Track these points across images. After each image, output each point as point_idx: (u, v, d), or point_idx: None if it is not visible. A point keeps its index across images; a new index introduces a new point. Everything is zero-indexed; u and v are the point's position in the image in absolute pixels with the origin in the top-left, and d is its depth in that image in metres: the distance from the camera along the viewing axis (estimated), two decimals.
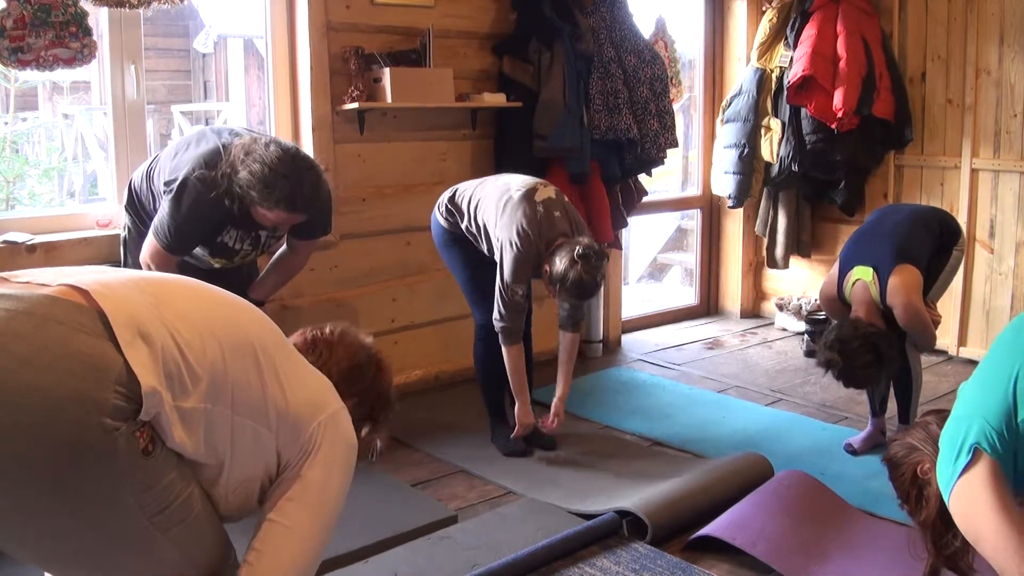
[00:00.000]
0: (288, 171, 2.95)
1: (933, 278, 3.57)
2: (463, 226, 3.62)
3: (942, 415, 1.96)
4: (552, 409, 3.71)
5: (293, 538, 1.59)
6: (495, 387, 3.82)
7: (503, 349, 3.54)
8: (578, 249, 3.30)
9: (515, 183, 3.54)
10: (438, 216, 3.75)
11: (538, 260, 3.42)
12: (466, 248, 3.66)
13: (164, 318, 1.45)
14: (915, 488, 2.03)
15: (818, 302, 5.59)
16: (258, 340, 1.60)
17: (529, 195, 3.46)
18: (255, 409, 1.55)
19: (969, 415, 1.77)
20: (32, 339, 1.30)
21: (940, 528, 1.92)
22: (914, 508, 2.05)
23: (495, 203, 3.49)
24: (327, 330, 1.93)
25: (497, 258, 3.47)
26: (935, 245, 3.58)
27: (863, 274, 3.52)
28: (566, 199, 3.62)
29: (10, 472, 1.28)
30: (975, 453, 1.71)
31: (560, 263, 3.32)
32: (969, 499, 1.72)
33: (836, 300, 3.72)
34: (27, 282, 1.42)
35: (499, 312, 3.48)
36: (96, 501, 1.34)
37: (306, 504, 1.61)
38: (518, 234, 3.37)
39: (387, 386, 1.96)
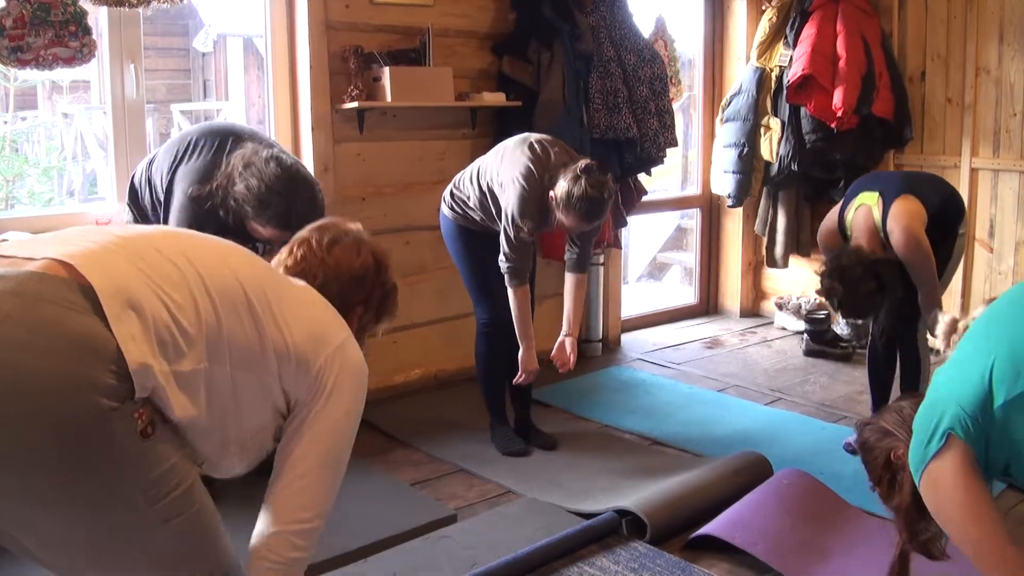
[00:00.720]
0: (284, 189, 2.95)
1: (942, 264, 3.53)
2: (471, 205, 3.58)
3: (916, 399, 1.96)
4: (565, 347, 3.60)
5: (309, 476, 1.61)
6: (496, 385, 3.82)
7: (509, 291, 3.48)
8: (580, 165, 3.32)
9: (509, 141, 3.58)
10: (444, 209, 3.75)
11: (543, 194, 3.38)
12: (472, 241, 3.63)
13: (153, 282, 1.43)
14: (888, 473, 2.03)
15: (818, 300, 5.61)
16: (250, 284, 1.58)
17: (525, 139, 3.51)
18: (254, 360, 1.55)
19: (944, 400, 1.77)
20: (23, 321, 1.29)
21: (914, 514, 1.92)
22: (886, 492, 2.05)
23: (494, 160, 3.52)
24: (314, 243, 1.86)
25: (503, 202, 3.44)
26: (941, 204, 3.51)
27: (867, 199, 3.49)
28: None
29: (12, 457, 1.27)
30: (948, 439, 1.71)
31: (564, 184, 3.30)
32: (940, 484, 1.73)
33: (835, 233, 3.67)
34: (12, 256, 1.40)
35: (505, 252, 3.43)
36: (97, 485, 1.34)
37: (320, 441, 1.63)
38: (522, 173, 3.37)
39: (389, 281, 1.94)
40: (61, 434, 1.28)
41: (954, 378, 1.79)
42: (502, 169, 3.46)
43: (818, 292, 3.49)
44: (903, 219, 3.37)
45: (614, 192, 3.47)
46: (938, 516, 1.77)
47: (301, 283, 1.78)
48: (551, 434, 3.85)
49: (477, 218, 3.61)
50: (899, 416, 2.03)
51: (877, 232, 3.44)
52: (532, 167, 3.38)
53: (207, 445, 1.53)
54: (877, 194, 3.46)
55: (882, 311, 3.47)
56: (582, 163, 3.32)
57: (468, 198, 3.61)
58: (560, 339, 3.61)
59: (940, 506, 1.76)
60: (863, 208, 3.50)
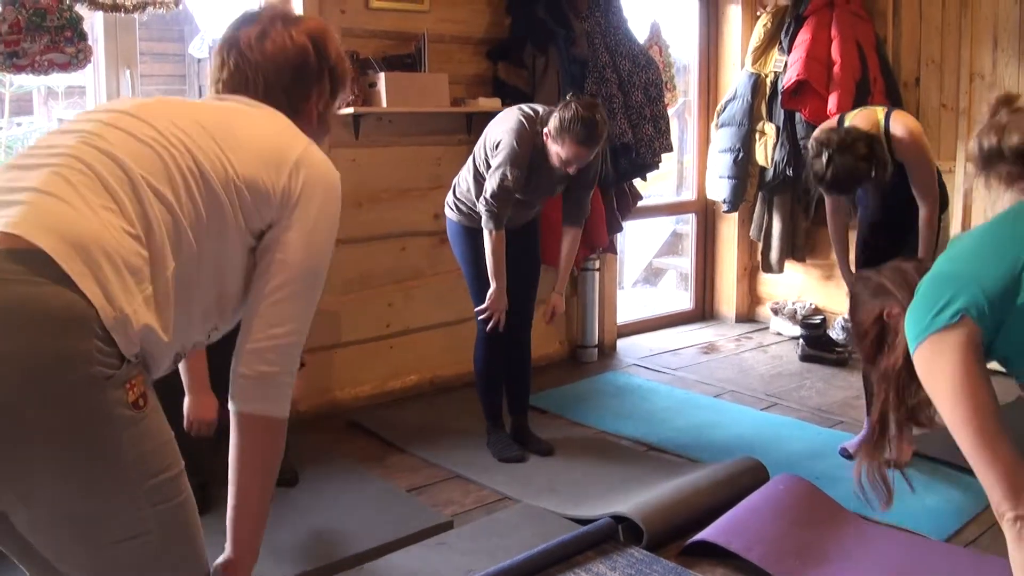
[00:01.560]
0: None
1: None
2: (470, 196, 3.58)
3: (921, 265, 1.87)
4: (550, 301, 3.75)
5: (280, 291, 1.52)
6: (494, 391, 3.81)
7: (486, 234, 3.49)
8: (567, 95, 3.41)
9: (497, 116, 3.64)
10: (447, 212, 3.74)
11: (534, 144, 3.42)
12: (477, 243, 3.59)
13: (104, 206, 1.35)
14: (876, 328, 1.94)
15: (814, 306, 5.62)
16: (192, 140, 1.48)
17: (514, 108, 3.57)
18: (218, 225, 1.46)
19: (964, 277, 1.69)
20: None
21: (905, 379, 1.85)
22: (870, 350, 1.96)
23: (484, 136, 3.57)
24: (242, 42, 1.68)
25: (494, 160, 3.46)
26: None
27: (871, 111, 3.54)
28: None
29: (8, 438, 1.23)
30: (961, 318, 1.65)
31: (556, 115, 3.34)
32: (939, 359, 1.67)
33: (840, 212, 3.74)
34: None
35: (487, 197, 3.43)
36: (91, 455, 1.28)
37: (290, 256, 1.52)
38: (512, 127, 3.42)
39: (332, 57, 1.74)
40: (55, 412, 1.24)
41: (976, 259, 1.72)
42: (493, 132, 3.51)
43: (810, 159, 3.41)
44: (908, 121, 3.42)
45: (607, 120, 3.47)
46: (929, 389, 1.71)
47: (241, 103, 1.64)
48: (547, 440, 3.85)
49: (477, 209, 3.59)
50: (901, 277, 1.93)
51: (878, 126, 3.43)
52: (524, 121, 3.43)
53: (182, 321, 1.46)
54: (882, 109, 3.53)
55: (868, 183, 3.39)
56: (568, 95, 3.42)
57: (466, 190, 3.61)
58: (552, 296, 3.76)
59: (934, 379, 1.69)
60: (866, 110, 3.54)
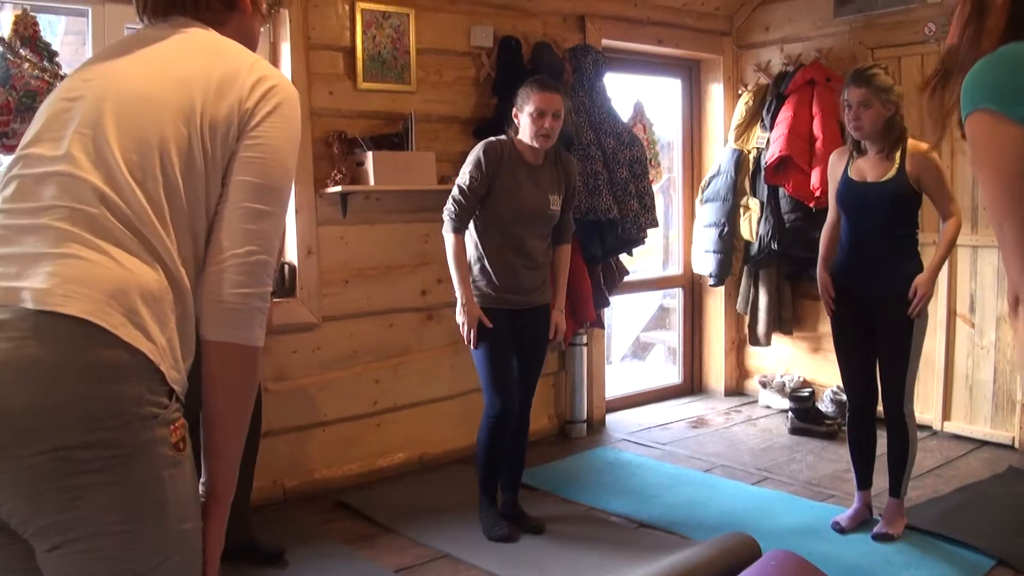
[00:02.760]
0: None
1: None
2: (478, 258, 3.62)
3: None
4: (552, 319, 3.79)
5: (240, 208, 1.43)
6: (493, 471, 3.75)
7: (445, 239, 3.59)
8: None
9: None
10: None
11: (502, 152, 3.56)
12: (490, 331, 3.59)
13: (111, 243, 1.36)
14: None
15: (802, 378, 5.62)
16: (154, 115, 1.44)
17: None
18: (196, 194, 1.44)
19: None
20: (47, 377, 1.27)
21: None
22: None
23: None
24: None
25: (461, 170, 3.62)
26: None
27: None
28: None
29: (62, 470, 1.26)
30: None
31: (517, 95, 3.59)
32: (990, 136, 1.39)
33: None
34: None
35: (450, 197, 3.58)
36: (135, 489, 1.31)
37: (248, 171, 1.45)
38: (482, 143, 3.60)
39: None
40: (108, 449, 1.28)
41: None
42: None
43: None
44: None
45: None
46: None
47: (174, 34, 1.55)
48: (538, 518, 3.80)
49: (489, 272, 3.60)
50: None
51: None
52: (492, 139, 3.61)
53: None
54: None
55: (888, 115, 3.46)
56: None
57: (472, 257, 3.64)
58: (552, 313, 3.80)
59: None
60: None
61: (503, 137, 3.63)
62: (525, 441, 3.86)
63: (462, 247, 3.59)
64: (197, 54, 1.51)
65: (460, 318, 3.59)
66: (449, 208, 3.58)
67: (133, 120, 1.42)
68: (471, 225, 3.62)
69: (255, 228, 1.44)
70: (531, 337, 3.72)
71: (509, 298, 3.61)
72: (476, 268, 3.63)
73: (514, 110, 3.61)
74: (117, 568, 1.32)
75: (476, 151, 3.57)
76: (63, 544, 1.30)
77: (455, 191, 3.57)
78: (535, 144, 3.55)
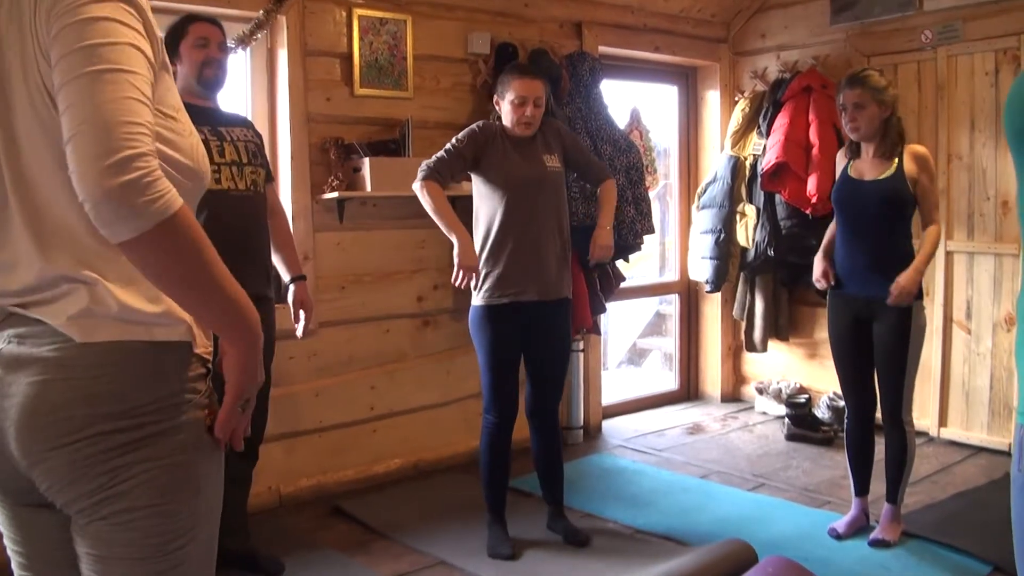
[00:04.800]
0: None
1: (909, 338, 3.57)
2: (488, 249, 3.55)
3: None
4: (592, 238, 3.72)
5: (69, 98, 1.20)
6: (498, 484, 3.70)
7: (422, 184, 3.52)
8: None
9: None
10: (473, 298, 3.65)
11: (492, 134, 3.56)
12: (498, 334, 3.54)
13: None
14: None
15: (798, 385, 5.62)
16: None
17: None
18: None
19: None
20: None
21: None
22: None
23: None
24: None
25: None
26: None
27: None
28: None
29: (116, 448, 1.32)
30: None
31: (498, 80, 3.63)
32: None
33: None
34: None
35: (432, 158, 3.55)
36: (176, 463, 1.37)
37: (69, 57, 1.22)
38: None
39: None
40: (158, 432, 1.35)
41: None
42: None
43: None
44: None
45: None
46: None
47: None
48: (584, 530, 3.74)
49: (494, 260, 3.52)
50: None
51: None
52: (487, 120, 3.65)
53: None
54: None
55: (885, 116, 3.49)
56: None
57: (476, 248, 3.56)
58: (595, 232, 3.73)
59: None
60: None
61: (495, 122, 3.64)
62: (557, 445, 3.77)
63: (439, 191, 3.52)
64: None
65: (456, 260, 3.46)
66: (427, 162, 3.54)
67: None
68: (475, 215, 3.57)
69: (84, 96, 1.21)
70: (547, 334, 3.61)
71: (518, 290, 3.49)
72: (480, 260, 3.53)
73: (495, 97, 3.62)
74: (145, 540, 1.36)
75: (471, 126, 3.60)
76: (98, 519, 1.35)
77: (440, 153, 3.56)
78: (516, 132, 3.54)
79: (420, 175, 3.52)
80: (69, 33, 1.22)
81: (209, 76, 3.20)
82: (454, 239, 3.45)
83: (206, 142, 3.12)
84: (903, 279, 3.43)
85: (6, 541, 1.50)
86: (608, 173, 3.84)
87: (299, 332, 3.60)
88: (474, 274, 3.46)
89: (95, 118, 1.17)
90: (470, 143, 3.53)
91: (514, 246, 3.49)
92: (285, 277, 3.60)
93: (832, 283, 3.67)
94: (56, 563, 1.47)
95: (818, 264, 3.74)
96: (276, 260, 3.56)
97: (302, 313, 3.57)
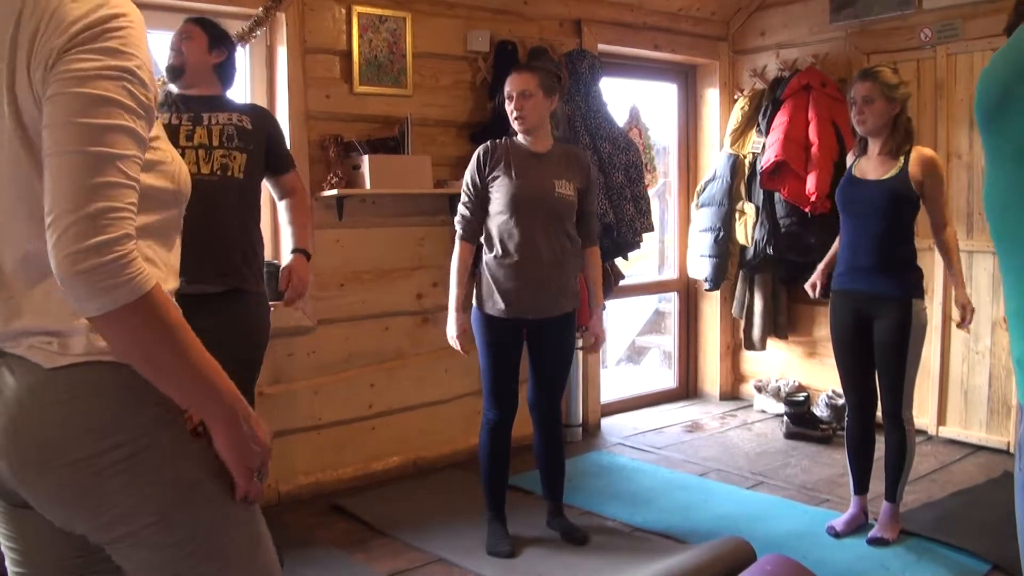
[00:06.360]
0: None
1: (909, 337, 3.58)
2: (491, 249, 3.55)
3: None
4: (591, 329, 3.76)
5: (49, 170, 1.22)
6: (498, 483, 3.70)
7: (460, 243, 3.58)
8: None
9: None
10: (474, 300, 3.66)
11: (496, 150, 3.55)
12: (499, 335, 3.55)
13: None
14: None
15: (797, 383, 5.62)
16: None
17: None
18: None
19: None
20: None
21: None
22: None
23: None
24: None
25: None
26: None
27: None
28: None
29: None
30: None
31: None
32: None
33: None
34: None
35: (460, 208, 3.59)
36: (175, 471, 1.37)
37: (54, 124, 1.23)
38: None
39: None
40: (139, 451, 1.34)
41: None
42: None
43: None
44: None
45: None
46: None
47: None
48: (583, 528, 3.76)
49: (498, 279, 3.50)
50: None
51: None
52: (488, 142, 3.62)
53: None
54: None
55: (892, 113, 3.50)
56: None
57: (481, 265, 3.57)
58: (591, 321, 3.76)
59: None
60: None
61: (502, 139, 3.61)
62: (558, 439, 3.77)
63: (465, 256, 3.57)
64: None
65: (450, 327, 3.58)
66: (458, 217, 3.59)
67: None
68: (488, 223, 3.56)
69: (56, 187, 1.23)
70: (548, 349, 3.61)
71: (520, 308, 3.49)
72: (485, 276, 3.54)
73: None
74: (160, 554, 1.36)
75: (475, 155, 3.58)
76: (105, 543, 1.36)
77: (461, 197, 3.59)
78: (514, 128, 3.53)
79: (459, 233, 3.60)
80: (69, 102, 1.23)
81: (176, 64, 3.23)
82: (451, 303, 3.59)
83: (177, 127, 3.13)
84: (966, 305, 3.56)
85: (0, 539, 1.50)
86: (597, 241, 3.78)
87: (285, 301, 3.51)
88: (463, 345, 3.60)
89: (78, 199, 1.19)
90: (477, 178, 3.54)
91: (514, 265, 3.48)
92: (287, 252, 3.59)
93: (817, 295, 3.76)
94: (51, 561, 1.47)
95: (816, 274, 3.84)
96: (285, 237, 3.63)
97: (289, 281, 3.47)
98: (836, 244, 3.79)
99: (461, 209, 3.57)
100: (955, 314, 3.59)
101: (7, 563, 1.50)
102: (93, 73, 1.24)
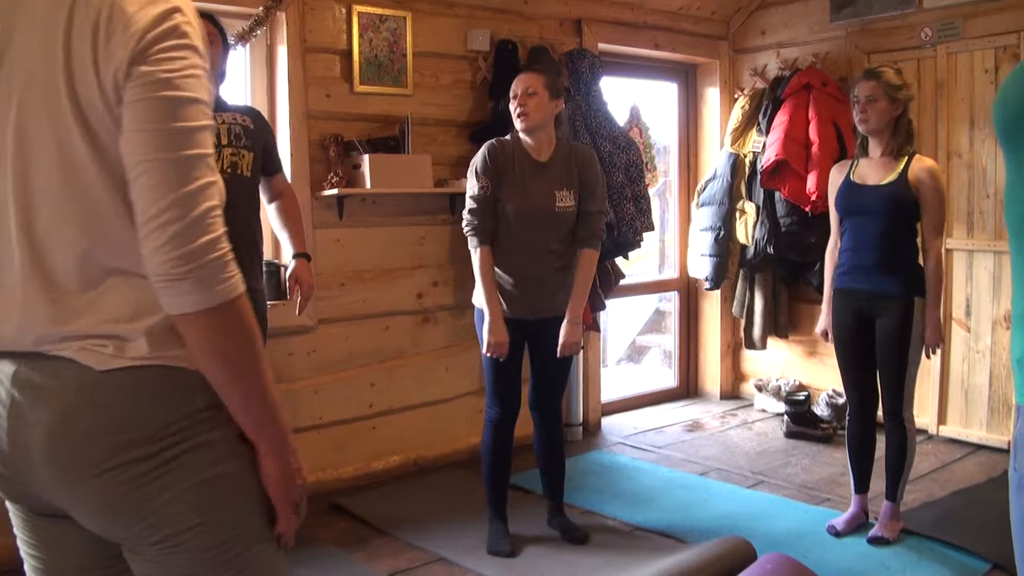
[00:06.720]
0: None
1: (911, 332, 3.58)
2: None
3: None
4: (563, 333, 3.53)
5: (142, 165, 1.24)
6: (499, 481, 3.70)
7: (473, 252, 3.49)
8: None
9: None
10: (475, 298, 3.66)
11: (502, 152, 3.49)
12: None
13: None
14: None
15: (798, 382, 5.62)
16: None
17: None
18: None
19: None
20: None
21: None
22: None
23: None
24: None
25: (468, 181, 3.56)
26: None
27: None
28: None
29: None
30: None
31: None
32: None
33: None
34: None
35: (465, 214, 3.51)
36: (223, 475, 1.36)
37: (144, 125, 1.24)
38: (483, 148, 3.53)
39: None
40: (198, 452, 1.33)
41: None
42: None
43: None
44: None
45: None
46: None
47: None
48: (584, 527, 3.76)
49: (498, 281, 3.51)
50: None
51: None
52: (493, 141, 3.53)
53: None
54: None
55: (895, 109, 3.50)
56: None
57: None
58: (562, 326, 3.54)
59: None
60: None
61: (506, 137, 3.58)
62: (559, 439, 3.77)
63: (488, 262, 3.48)
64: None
65: (484, 335, 3.48)
66: (466, 222, 3.50)
67: None
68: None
69: (159, 183, 1.27)
70: (548, 350, 3.59)
71: (520, 309, 3.52)
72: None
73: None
74: (200, 557, 1.34)
75: (478, 155, 3.51)
76: (145, 546, 1.33)
77: (467, 203, 3.50)
78: (516, 126, 3.52)
79: (471, 240, 3.49)
80: (158, 106, 1.25)
81: None
82: (487, 313, 3.46)
83: None
84: (931, 319, 3.52)
85: (20, 544, 1.48)
86: (595, 244, 3.62)
87: (297, 310, 3.52)
88: (503, 350, 3.46)
89: (181, 202, 1.23)
90: (489, 179, 3.46)
91: (513, 268, 3.50)
92: (288, 257, 3.58)
93: (829, 340, 3.78)
94: (72, 570, 1.45)
95: (824, 320, 3.80)
96: (282, 240, 3.59)
97: (298, 289, 3.48)
98: (829, 262, 3.79)
99: (471, 217, 3.49)
100: (928, 334, 3.54)
101: (27, 569, 1.49)
102: (177, 75, 1.26)
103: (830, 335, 3.76)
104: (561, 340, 3.53)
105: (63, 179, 1.29)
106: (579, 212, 3.57)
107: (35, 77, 1.28)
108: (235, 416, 1.36)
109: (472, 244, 3.49)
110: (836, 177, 3.72)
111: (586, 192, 3.58)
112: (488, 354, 3.49)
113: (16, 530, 1.48)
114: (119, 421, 1.28)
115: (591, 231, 3.60)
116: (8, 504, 1.46)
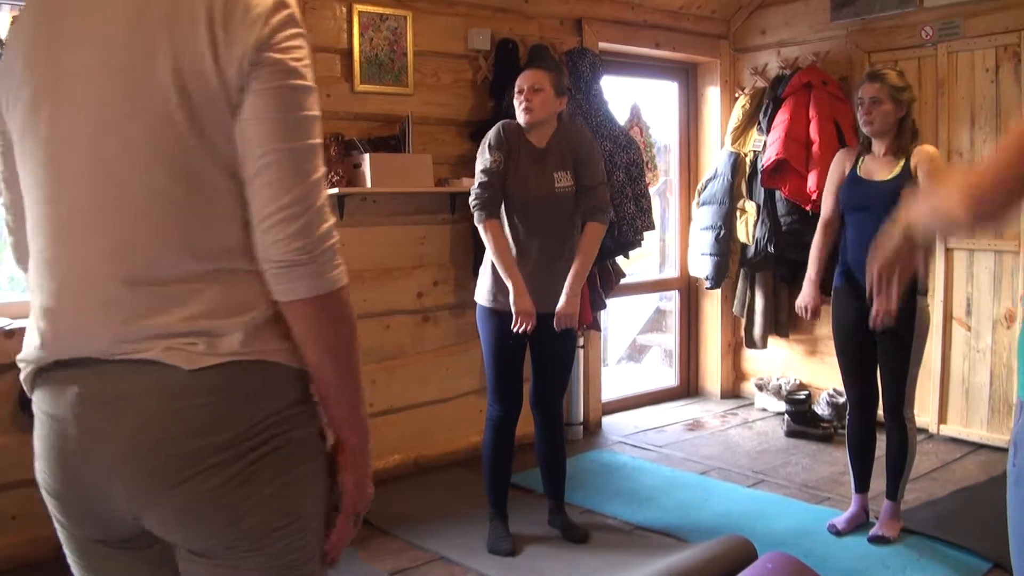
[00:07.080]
0: None
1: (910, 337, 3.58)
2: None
3: None
4: (562, 307, 3.49)
5: (266, 158, 1.25)
6: (500, 480, 3.71)
7: (480, 228, 3.48)
8: None
9: None
10: (476, 296, 3.66)
11: (511, 133, 3.52)
12: (502, 329, 3.52)
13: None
14: None
15: (798, 381, 5.62)
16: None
17: None
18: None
19: None
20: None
21: None
22: None
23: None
24: None
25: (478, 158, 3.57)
26: None
27: None
28: None
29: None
30: None
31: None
32: None
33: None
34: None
35: (475, 188, 3.50)
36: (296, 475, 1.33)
37: (266, 118, 1.26)
38: (495, 127, 3.57)
39: None
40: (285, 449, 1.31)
41: None
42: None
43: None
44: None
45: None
46: None
47: None
48: (583, 526, 3.77)
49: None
50: None
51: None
52: (504, 122, 3.58)
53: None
54: None
55: (898, 112, 3.50)
56: None
57: (485, 259, 3.57)
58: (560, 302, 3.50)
59: None
60: None
61: (511, 122, 3.59)
62: (560, 438, 3.76)
63: (501, 233, 3.47)
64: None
65: (512, 307, 3.43)
66: (474, 196, 3.48)
67: None
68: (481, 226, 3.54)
69: (285, 177, 1.29)
70: (549, 347, 3.60)
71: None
72: (488, 271, 3.56)
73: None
74: (276, 562, 1.32)
75: (491, 131, 3.54)
76: (226, 551, 1.29)
77: (477, 177, 3.50)
78: (520, 120, 3.53)
79: (478, 215, 3.47)
80: (287, 95, 1.28)
81: None
82: (510, 285, 3.43)
83: None
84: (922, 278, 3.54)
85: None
86: (600, 217, 3.59)
87: None
88: (531, 319, 3.42)
89: (307, 195, 1.26)
90: (500, 153, 3.47)
91: (516, 259, 3.49)
92: None
93: (811, 317, 3.79)
94: None
95: (808, 296, 3.83)
96: None
97: None
98: (816, 245, 3.79)
99: (480, 190, 3.46)
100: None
101: None
102: (302, 64, 1.31)
103: (809, 310, 3.79)
104: (557, 310, 3.49)
105: (148, 168, 1.24)
106: (578, 188, 3.56)
107: (118, 73, 1.24)
108: (327, 408, 1.37)
109: (478, 219, 3.48)
110: (842, 161, 3.71)
111: (580, 167, 3.57)
112: (517, 329, 3.42)
113: (72, 564, 1.41)
114: (205, 424, 1.23)
115: (594, 204, 3.58)
116: (62, 534, 1.38)
